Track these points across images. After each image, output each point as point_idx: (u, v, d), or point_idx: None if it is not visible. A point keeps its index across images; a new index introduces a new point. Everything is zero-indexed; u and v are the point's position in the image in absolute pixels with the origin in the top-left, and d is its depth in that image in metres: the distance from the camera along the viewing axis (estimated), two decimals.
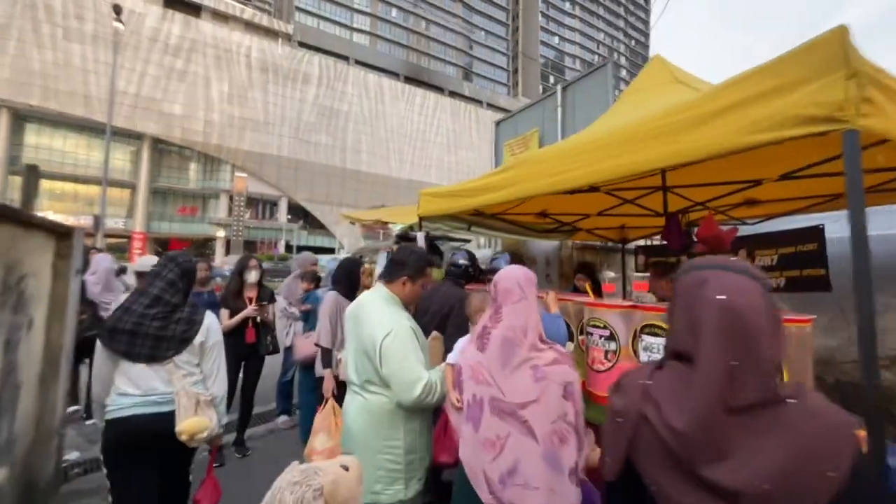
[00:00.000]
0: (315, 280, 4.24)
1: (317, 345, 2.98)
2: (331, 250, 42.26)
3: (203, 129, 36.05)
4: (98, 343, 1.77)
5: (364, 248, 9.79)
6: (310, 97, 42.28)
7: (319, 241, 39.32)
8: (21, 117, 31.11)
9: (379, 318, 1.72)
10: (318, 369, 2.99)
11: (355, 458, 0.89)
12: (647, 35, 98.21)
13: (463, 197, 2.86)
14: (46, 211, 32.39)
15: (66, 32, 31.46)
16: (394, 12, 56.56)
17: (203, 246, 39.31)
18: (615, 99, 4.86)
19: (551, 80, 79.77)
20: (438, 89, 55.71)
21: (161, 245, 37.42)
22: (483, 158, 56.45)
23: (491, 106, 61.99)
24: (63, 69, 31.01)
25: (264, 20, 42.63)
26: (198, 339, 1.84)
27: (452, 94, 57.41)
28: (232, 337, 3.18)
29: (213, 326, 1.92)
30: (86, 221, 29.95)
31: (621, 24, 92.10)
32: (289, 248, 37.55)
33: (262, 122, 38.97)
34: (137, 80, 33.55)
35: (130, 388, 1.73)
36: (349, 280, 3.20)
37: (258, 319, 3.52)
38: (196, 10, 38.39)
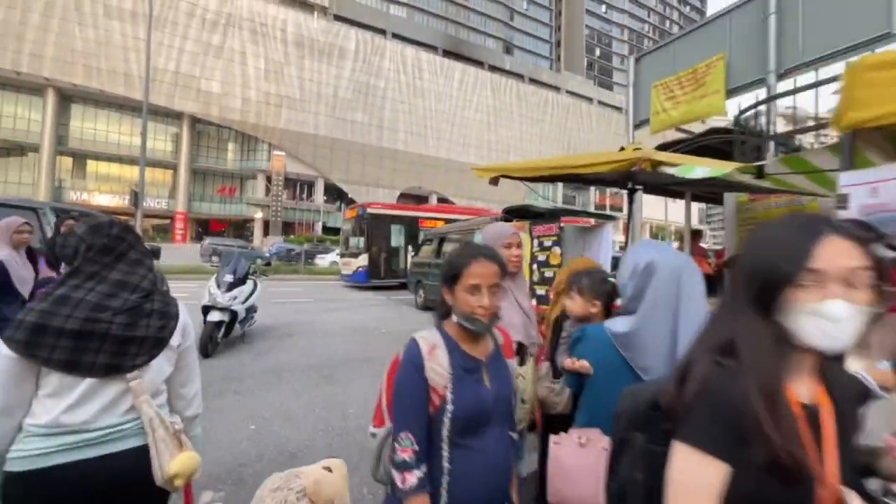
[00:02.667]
0: None
1: None
2: None
3: (240, 107, 35.23)
4: None
5: (455, 227, 8.15)
6: (346, 73, 40.60)
7: None
8: (66, 97, 31.24)
9: None
10: None
11: (338, 460, 0.87)
12: (702, 0, 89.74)
13: None
14: (92, 192, 32.83)
15: (107, 9, 31.07)
16: None
17: (241, 227, 39.09)
18: None
19: (597, 52, 74.35)
20: (478, 63, 52.62)
21: (201, 226, 37.42)
22: (526, 137, 53.25)
23: (533, 81, 58.27)
24: (104, 47, 30.72)
25: None
26: (175, 339, 1.33)
27: (492, 68, 54.12)
28: None
29: (189, 321, 1.39)
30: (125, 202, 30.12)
31: None
32: (326, 229, 36.53)
33: (298, 99, 37.75)
34: (176, 56, 32.93)
35: (66, 417, 1.18)
36: None
37: None
38: None
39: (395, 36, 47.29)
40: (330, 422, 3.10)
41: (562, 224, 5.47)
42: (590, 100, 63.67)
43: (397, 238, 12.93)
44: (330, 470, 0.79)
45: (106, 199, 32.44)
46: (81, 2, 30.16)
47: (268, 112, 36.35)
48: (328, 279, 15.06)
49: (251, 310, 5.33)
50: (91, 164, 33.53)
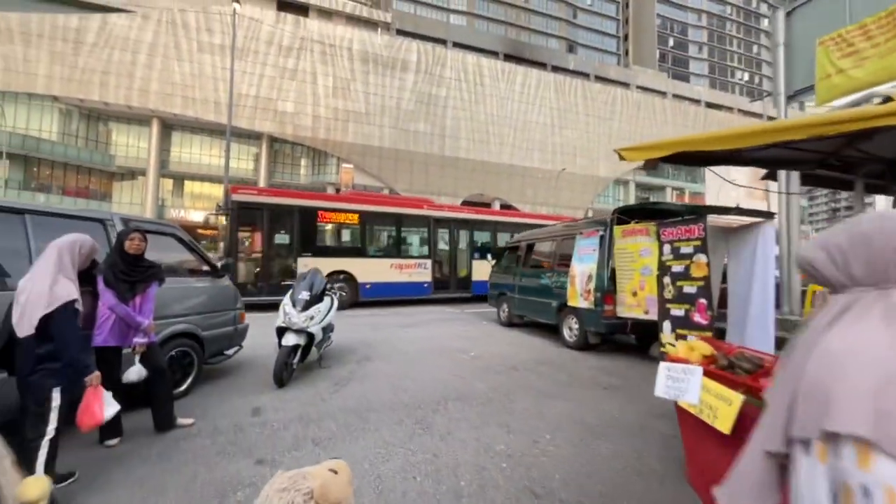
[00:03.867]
0: None
1: None
2: None
3: (311, 124, 37.12)
4: None
5: (547, 231, 7.12)
6: (408, 84, 41.26)
7: None
8: (167, 126, 35.06)
9: None
10: None
11: (343, 461, 0.87)
12: None
13: None
14: (189, 209, 36.38)
15: (200, 45, 34.48)
16: None
17: None
18: None
19: (670, 42, 68.76)
20: (541, 65, 50.93)
21: None
22: (593, 137, 50.31)
23: (599, 78, 55.14)
24: (198, 79, 34.05)
25: (364, 11, 42.62)
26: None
27: (555, 68, 52.07)
28: None
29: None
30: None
31: None
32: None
33: (363, 113, 38.98)
34: (257, 82, 35.59)
35: None
36: None
37: None
38: (304, 11, 39.69)
39: (456, 45, 47.35)
40: (439, 499, 2.24)
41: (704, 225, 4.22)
42: (663, 94, 58.80)
43: (281, 237, 9.70)
44: (336, 472, 0.77)
45: (200, 215, 35.71)
46: (179, 40, 33.77)
47: (336, 127, 37.92)
48: None
49: (328, 329, 4.74)
50: (188, 185, 37.22)
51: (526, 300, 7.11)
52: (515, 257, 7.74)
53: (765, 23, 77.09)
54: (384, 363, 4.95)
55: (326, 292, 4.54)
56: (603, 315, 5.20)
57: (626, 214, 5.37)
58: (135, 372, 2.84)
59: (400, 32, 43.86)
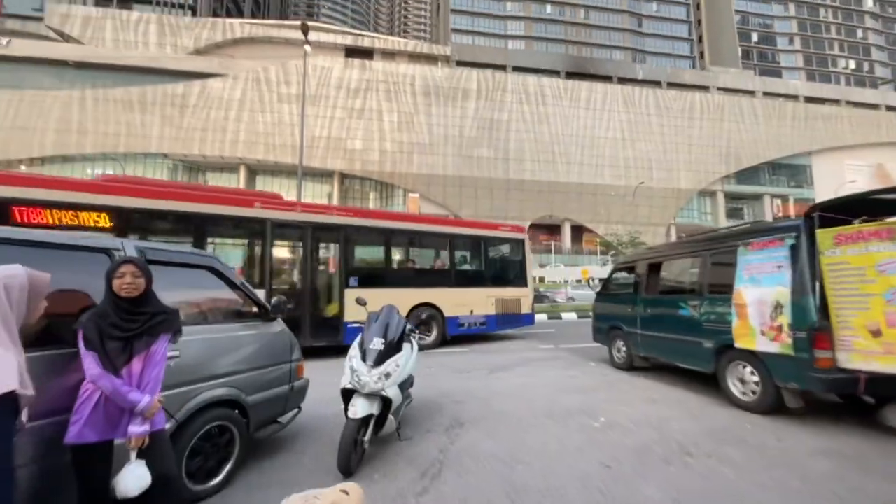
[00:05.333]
0: None
1: None
2: None
3: (378, 158, 38.38)
4: None
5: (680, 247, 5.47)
6: (470, 112, 41.38)
7: None
8: (252, 171, 38.34)
9: None
10: None
11: (355, 483, 0.80)
12: None
13: None
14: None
15: (279, 96, 37.76)
16: (548, 8, 52.70)
17: None
18: None
19: (754, 38, 62.38)
20: (606, 78, 48.56)
21: None
22: (671, 148, 46.11)
23: (672, 85, 51.18)
24: (277, 126, 37.09)
25: (424, 48, 44.20)
26: None
27: (622, 80, 49.32)
28: None
29: None
30: None
31: None
32: None
33: (427, 143, 39.58)
34: (328, 124, 37.90)
35: None
36: None
37: None
38: (369, 55, 42.15)
39: (516, 68, 46.99)
40: None
41: None
42: (751, 93, 52.83)
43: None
44: (347, 493, 0.74)
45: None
46: (262, 94, 37.30)
47: (401, 159, 38.80)
48: None
49: (407, 383, 3.54)
50: None
51: (657, 338, 5.35)
52: (633, 281, 6.06)
53: (867, 2, 67.21)
54: (484, 434, 3.59)
55: (406, 336, 3.37)
56: (815, 365, 3.39)
57: (834, 211, 3.59)
58: (133, 479, 1.80)
59: (460, 63, 44.65)
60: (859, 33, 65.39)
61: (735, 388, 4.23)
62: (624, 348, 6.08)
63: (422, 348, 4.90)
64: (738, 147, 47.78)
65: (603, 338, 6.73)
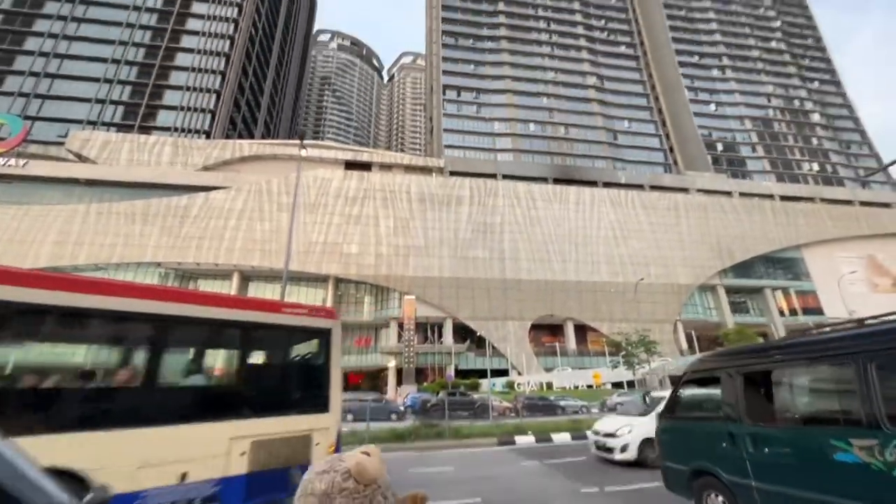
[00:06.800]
0: None
1: None
2: (504, 372, 36.52)
3: (374, 262, 38.23)
4: None
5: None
6: (464, 216, 42.72)
7: (488, 361, 34.24)
8: (246, 277, 37.73)
9: None
10: None
11: (374, 446, 0.92)
12: (832, 72, 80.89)
13: None
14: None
15: (279, 206, 39.05)
16: (531, 126, 58.47)
17: (376, 377, 38.42)
18: None
19: (719, 147, 68.69)
20: (591, 183, 51.66)
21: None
22: (664, 245, 46.91)
23: (655, 188, 54.34)
24: (275, 234, 37.58)
25: (419, 161, 47.58)
26: None
27: (607, 184, 52.46)
28: None
29: None
30: None
31: (792, 69, 78.36)
32: (457, 372, 33.29)
33: (422, 246, 39.89)
34: (325, 230, 38.56)
35: None
36: None
37: None
38: (367, 167, 45.06)
39: (506, 176, 50.14)
40: None
41: None
42: (728, 193, 55.95)
43: None
44: (368, 454, 0.84)
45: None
46: (263, 204, 38.61)
47: (397, 262, 38.64)
48: (482, 445, 11.05)
49: None
50: None
51: (795, 499, 3.35)
52: (723, 399, 4.19)
53: (814, 117, 75.93)
54: None
55: None
56: None
57: None
58: None
59: (453, 173, 47.60)
60: (815, 140, 72.37)
61: None
62: None
63: None
64: (729, 242, 48.77)
65: (683, 489, 4.64)
